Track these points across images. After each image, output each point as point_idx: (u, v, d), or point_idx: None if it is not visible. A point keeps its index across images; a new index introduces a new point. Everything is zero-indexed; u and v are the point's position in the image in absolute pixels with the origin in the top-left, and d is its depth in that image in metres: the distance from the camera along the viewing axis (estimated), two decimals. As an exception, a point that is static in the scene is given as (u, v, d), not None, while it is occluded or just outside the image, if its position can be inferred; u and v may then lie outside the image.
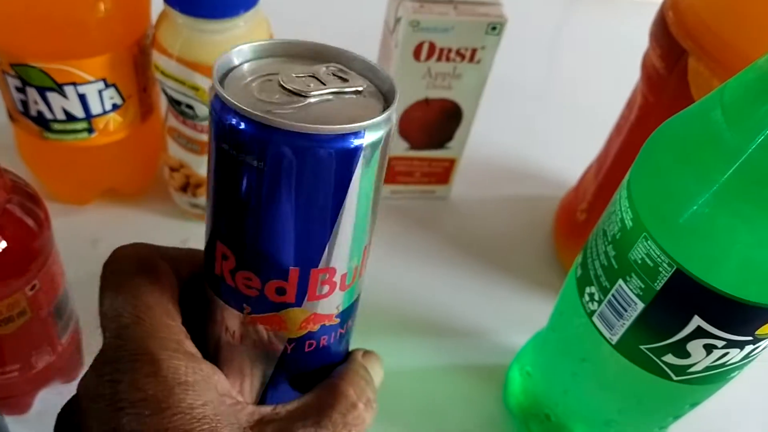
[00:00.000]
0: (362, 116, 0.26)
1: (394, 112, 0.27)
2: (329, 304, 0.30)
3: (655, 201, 0.28)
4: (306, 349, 0.31)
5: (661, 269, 0.28)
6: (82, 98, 0.40)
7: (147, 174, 0.48)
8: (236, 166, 0.26)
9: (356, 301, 0.31)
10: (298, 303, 0.29)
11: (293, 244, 0.28)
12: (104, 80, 0.39)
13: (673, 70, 0.37)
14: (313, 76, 0.27)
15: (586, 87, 0.66)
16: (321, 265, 0.29)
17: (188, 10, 0.37)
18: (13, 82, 0.39)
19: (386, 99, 0.28)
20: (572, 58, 0.71)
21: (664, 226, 0.27)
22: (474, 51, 0.43)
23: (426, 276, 0.48)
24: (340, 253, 0.29)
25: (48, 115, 0.40)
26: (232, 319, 0.30)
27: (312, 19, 0.58)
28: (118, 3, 0.38)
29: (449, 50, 0.43)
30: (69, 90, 0.39)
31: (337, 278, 0.29)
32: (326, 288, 0.29)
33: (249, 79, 0.27)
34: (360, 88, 0.28)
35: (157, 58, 0.39)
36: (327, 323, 0.31)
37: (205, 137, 0.42)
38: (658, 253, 0.27)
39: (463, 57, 0.43)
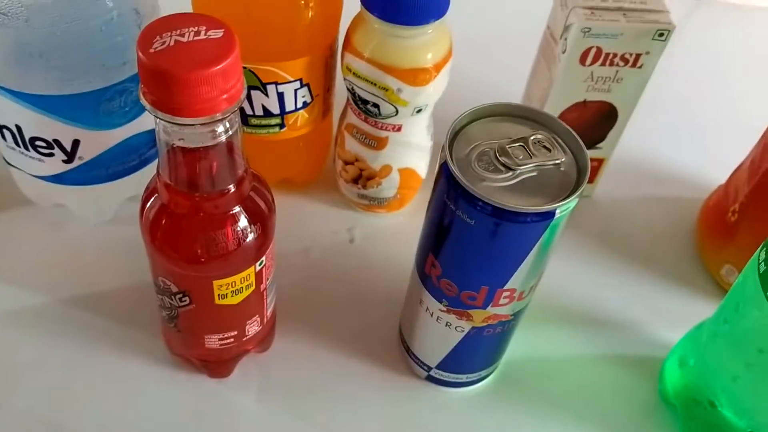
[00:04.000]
0: (558, 194, 0.32)
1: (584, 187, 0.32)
2: (507, 309, 0.37)
3: None
4: (484, 334, 0.38)
5: None
6: (280, 96, 0.44)
7: (318, 166, 0.52)
8: (452, 216, 0.33)
9: (528, 303, 0.38)
10: (484, 307, 0.36)
11: (487, 273, 0.35)
12: (300, 80, 0.43)
13: None
14: (523, 146, 0.33)
15: (733, 94, 0.66)
16: (505, 287, 0.35)
17: (388, 17, 0.40)
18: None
19: (579, 174, 0.33)
20: (720, 64, 0.70)
21: None
22: (638, 56, 0.45)
23: (571, 270, 0.50)
24: (521, 280, 0.35)
25: (248, 111, 0.44)
26: (432, 305, 0.38)
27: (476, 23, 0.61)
28: (321, 10, 0.41)
29: (614, 55, 0.45)
30: (271, 88, 0.43)
31: (516, 294, 0.36)
32: (506, 300, 0.36)
33: (470, 147, 0.33)
34: (559, 161, 0.33)
35: (350, 60, 0.43)
36: (503, 320, 0.38)
37: (383, 134, 0.45)
38: None
39: (626, 62, 0.46)
